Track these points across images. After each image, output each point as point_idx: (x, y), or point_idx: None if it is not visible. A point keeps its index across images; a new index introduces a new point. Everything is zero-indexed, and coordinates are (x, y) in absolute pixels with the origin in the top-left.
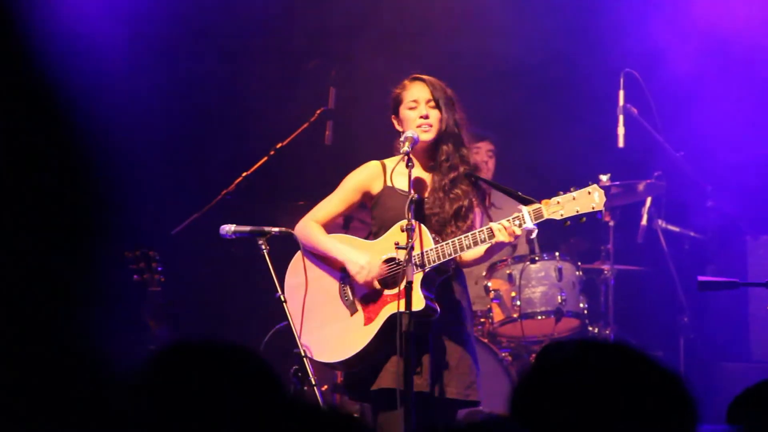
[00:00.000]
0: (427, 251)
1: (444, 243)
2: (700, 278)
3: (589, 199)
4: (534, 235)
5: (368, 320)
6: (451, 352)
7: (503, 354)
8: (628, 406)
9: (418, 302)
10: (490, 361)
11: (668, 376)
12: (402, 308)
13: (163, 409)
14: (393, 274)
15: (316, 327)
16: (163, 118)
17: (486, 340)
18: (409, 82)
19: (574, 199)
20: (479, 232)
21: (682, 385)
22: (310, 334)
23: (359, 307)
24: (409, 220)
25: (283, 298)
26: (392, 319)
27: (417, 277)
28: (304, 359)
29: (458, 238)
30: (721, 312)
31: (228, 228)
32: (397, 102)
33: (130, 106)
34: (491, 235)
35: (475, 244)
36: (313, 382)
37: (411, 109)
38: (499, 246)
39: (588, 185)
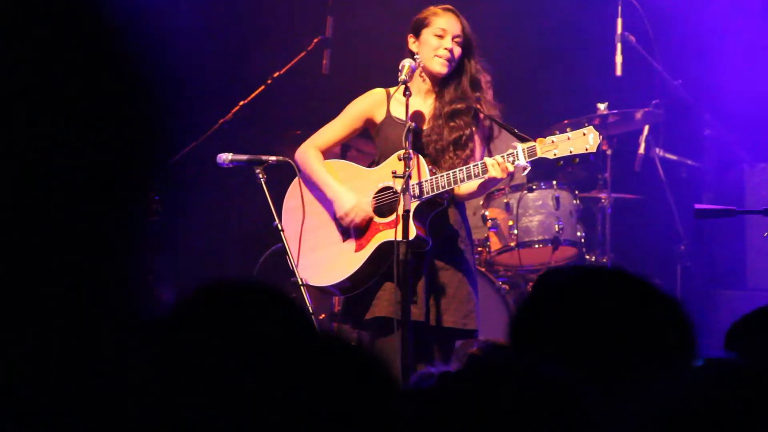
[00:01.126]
0: (421, 182)
1: (439, 175)
2: (697, 206)
3: (583, 140)
4: (526, 172)
5: (359, 247)
6: (448, 281)
7: (500, 283)
8: (627, 331)
9: (410, 232)
10: (487, 290)
11: (668, 302)
12: (399, 236)
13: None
14: (387, 203)
15: (309, 250)
16: (158, 49)
17: (483, 269)
18: (443, 11)
19: (568, 139)
20: (474, 166)
21: (681, 311)
22: (303, 257)
23: (352, 233)
24: (406, 149)
25: (280, 227)
26: (383, 247)
27: (411, 207)
28: (302, 287)
29: (453, 171)
30: (717, 240)
31: (225, 156)
32: (422, 24)
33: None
34: (485, 170)
35: (469, 178)
36: (311, 311)
37: (438, 36)
38: (492, 182)
39: (584, 126)
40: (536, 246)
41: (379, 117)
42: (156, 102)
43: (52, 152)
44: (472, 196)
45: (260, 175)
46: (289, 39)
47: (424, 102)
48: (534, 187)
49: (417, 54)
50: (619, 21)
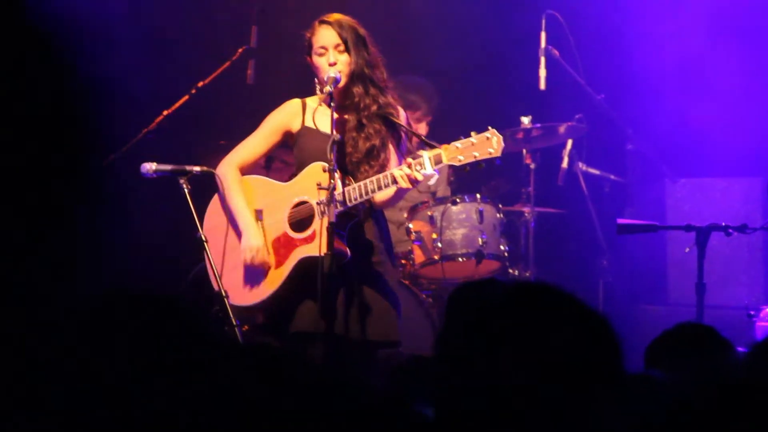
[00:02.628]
0: (336, 195)
1: (351, 187)
2: (620, 221)
3: (487, 144)
4: (433, 180)
5: (278, 264)
6: (367, 294)
7: (424, 296)
8: (555, 347)
9: (331, 245)
10: (411, 303)
11: (595, 318)
12: (322, 250)
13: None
14: (304, 218)
15: (231, 269)
16: (81, 56)
17: (407, 282)
18: (318, 26)
19: (473, 144)
20: (383, 176)
21: (608, 328)
22: (225, 275)
23: (271, 250)
24: (331, 161)
25: (203, 238)
26: (302, 263)
27: (325, 220)
28: (225, 299)
29: (363, 183)
30: (639, 255)
31: (149, 167)
32: (309, 46)
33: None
34: (394, 180)
35: (380, 188)
36: (234, 323)
37: (320, 55)
38: (403, 191)
39: (487, 130)
40: (460, 259)
41: (296, 128)
42: (78, 112)
43: None
44: (389, 203)
45: (184, 186)
46: (214, 48)
47: (339, 115)
48: (458, 200)
49: (317, 75)
50: (543, 35)
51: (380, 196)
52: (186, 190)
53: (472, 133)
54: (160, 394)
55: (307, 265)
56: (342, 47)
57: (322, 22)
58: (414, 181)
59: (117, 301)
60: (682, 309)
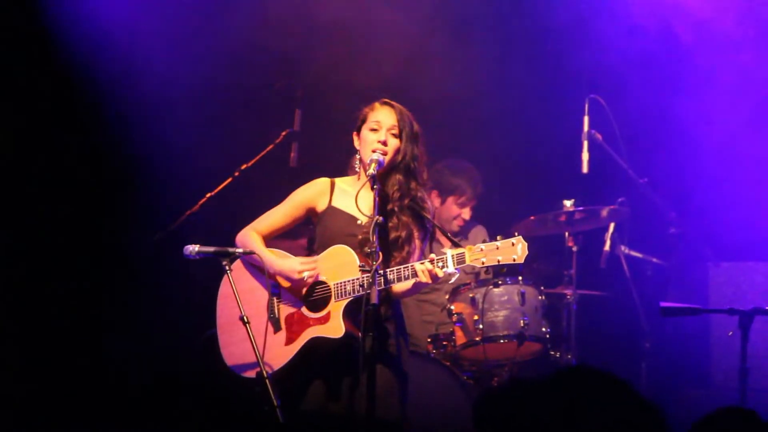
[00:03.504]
0: (352, 280)
1: (369, 275)
2: (663, 304)
3: (511, 250)
4: (454, 279)
5: (289, 341)
6: (379, 375)
7: (465, 377)
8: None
9: (337, 329)
10: (451, 384)
11: (649, 408)
12: (338, 332)
13: None
14: (319, 298)
15: (239, 339)
16: (133, 136)
17: (448, 363)
18: (380, 105)
19: (497, 248)
20: (404, 268)
21: (661, 417)
22: (233, 345)
23: (283, 326)
24: (373, 242)
25: (246, 320)
26: (312, 343)
27: (339, 305)
28: (267, 380)
29: (384, 271)
30: (682, 338)
31: (192, 248)
32: (362, 120)
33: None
34: (414, 273)
35: (399, 280)
36: (275, 404)
37: (372, 130)
38: (422, 285)
39: (514, 236)
40: (501, 341)
41: (321, 206)
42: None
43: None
44: (405, 294)
45: (227, 267)
46: (259, 131)
47: (368, 196)
48: (500, 282)
49: (359, 150)
50: (586, 119)
51: (398, 287)
52: (229, 272)
53: (498, 237)
54: None
55: (316, 344)
56: (396, 131)
57: (385, 103)
58: (434, 278)
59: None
60: (726, 393)
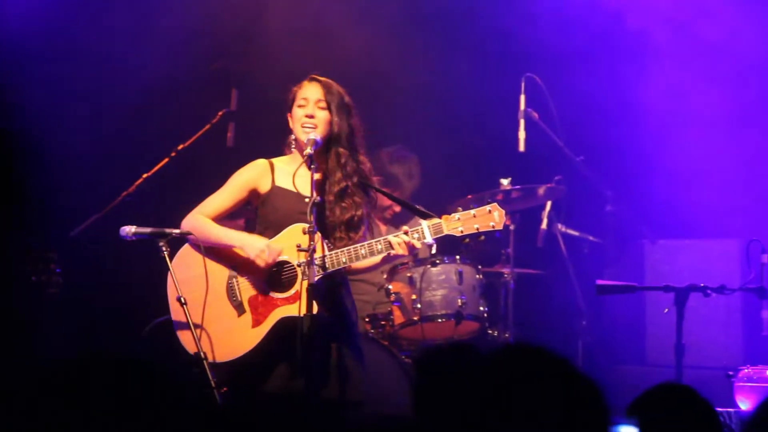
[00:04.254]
0: (324, 257)
1: (339, 251)
2: (599, 282)
3: (488, 217)
4: (433, 249)
5: (256, 323)
6: (337, 354)
7: (403, 357)
8: (541, 409)
9: (311, 307)
10: (390, 364)
11: (585, 383)
12: (302, 311)
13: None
14: (285, 277)
15: (203, 325)
16: (62, 119)
17: (386, 343)
18: (307, 82)
19: (474, 216)
20: (376, 242)
21: (598, 392)
22: (196, 331)
23: (247, 308)
24: (311, 223)
25: (183, 300)
26: (282, 323)
27: (304, 284)
28: (204, 362)
29: (354, 247)
30: (618, 316)
31: (128, 229)
32: (292, 99)
33: (28, 104)
34: (389, 246)
35: (371, 254)
36: (213, 385)
37: (300, 106)
38: (394, 257)
39: (488, 203)
40: (439, 320)
41: (264, 187)
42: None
43: None
44: (370, 269)
45: (164, 248)
46: (194, 112)
47: (306, 174)
48: (437, 261)
49: (292, 130)
50: (522, 97)
51: (366, 262)
52: (165, 253)
53: (472, 206)
54: None
55: (285, 325)
56: (323, 104)
57: (312, 79)
58: (412, 249)
59: (91, 364)
60: (661, 369)
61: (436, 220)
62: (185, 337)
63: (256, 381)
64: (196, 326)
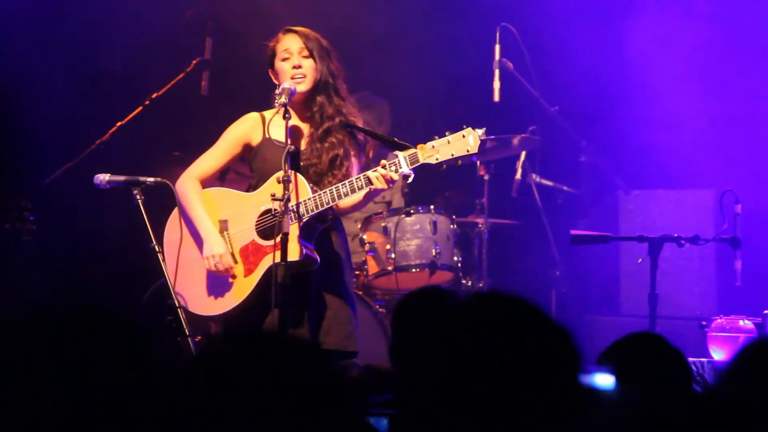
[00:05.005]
0: (304, 201)
1: (321, 192)
2: (573, 232)
3: (463, 142)
4: (410, 179)
5: (248, 272)
6: (330, 302)
7: (378, 306)
8: (513, 356)
9: (294, 252)
10: (364, 314)
11: (557, 331)
12: (278, 259)
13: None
14: (271, 225)
15: (194, 281)
16: (36, 67)
17: (361, 293)
18: (282, 35)
19: (449, 143)
20: (356, 179)
21: (571, 340)
22: (190, 288)
23: (239, 258)
24: (285, 172)
25: (157, 249)
26: (272, 270)
27: (293, 228)
28: (179, 310)
29: (335, 186)
30: (592, 266)
31: (102, 177)
32: (272, 55)
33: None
34: (368, 182)
35: (353, 191)
36: (187, 333)
37: (284, 60)
38: (376, 192)
39: (463, 128)
40: (414, 270)
41: (256, 140)
42: (31, 124)
43: None
44: (356, 207)
45: (138, 196)
46: (168, 59)
47: (301, 124)
48: (412, 211)
49: (278, 84)
50: (497, 47)
51: (349, 201)
52: (140, 201)
53: (447, 133)
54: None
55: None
56: (307, 53)
57: (288, 30)
58: (390, 181)
59: (52, 314)
60: (635, 319)
61: (411, 150)
62: (191, 298)
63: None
64: (188, 281)
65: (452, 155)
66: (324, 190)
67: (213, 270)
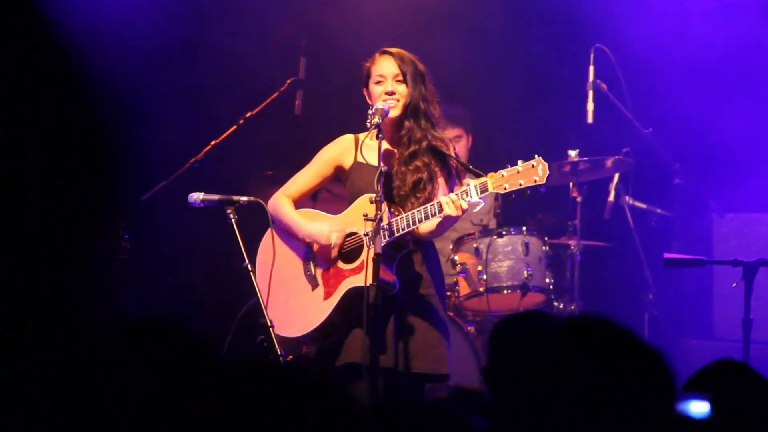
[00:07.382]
0: (389, 224)
1: (397, 218)
2: (666, 255)
3: (532, 172)
4: (478, 208)
5: (327, 294)
6: (417, 325)
7: (468, 328)
8: (609, 381)
9: (370, 276)
10: (455, 335)
11: (651, 354)
12: (369, 281)
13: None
14: (352, 248)
15: (281, 302)
16: (135, 85)
17: (452, 314)
18: (378, 56)
19: (518, 172)
20: (430, 205)
21: (664, 363)
22: (276, 308)
23: (320, 281)
24: (378, 193)
25: (249, 268)
26: (350, 294)
27: (371, 252)
28: (270, 329)
29: (411, 212)
30: (685, 289)
31: (196, 196)
32: (367, 76)
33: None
34: (441, 209)
35: (426, 218)
36: (279, 353)
37: (378, 83)
38: (450, 219)
39: (533, 158)
40: (505, 291)
41: (348, 163)
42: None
43: (24, 188)
44: (435, 233)
45: (231, 216)
46: (263, 79)
47: (392, 147)
48: (504, 232)
49: (371, 106)
50: (591, 68)
51: (426, 226)
52: (233, 220)
53: (519, 162)
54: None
55: (354, 295)
56: (401, 78)
57: (384, 52)
58: (461, 209)
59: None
60: (728, 344)
61: (482, 179)
62: (279, 318)
63: (335, 354)
64: (275, 301)
65: (520, 185)
66: (400, 216)
67: (334, 244)
